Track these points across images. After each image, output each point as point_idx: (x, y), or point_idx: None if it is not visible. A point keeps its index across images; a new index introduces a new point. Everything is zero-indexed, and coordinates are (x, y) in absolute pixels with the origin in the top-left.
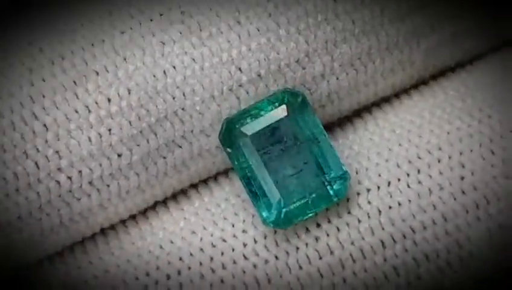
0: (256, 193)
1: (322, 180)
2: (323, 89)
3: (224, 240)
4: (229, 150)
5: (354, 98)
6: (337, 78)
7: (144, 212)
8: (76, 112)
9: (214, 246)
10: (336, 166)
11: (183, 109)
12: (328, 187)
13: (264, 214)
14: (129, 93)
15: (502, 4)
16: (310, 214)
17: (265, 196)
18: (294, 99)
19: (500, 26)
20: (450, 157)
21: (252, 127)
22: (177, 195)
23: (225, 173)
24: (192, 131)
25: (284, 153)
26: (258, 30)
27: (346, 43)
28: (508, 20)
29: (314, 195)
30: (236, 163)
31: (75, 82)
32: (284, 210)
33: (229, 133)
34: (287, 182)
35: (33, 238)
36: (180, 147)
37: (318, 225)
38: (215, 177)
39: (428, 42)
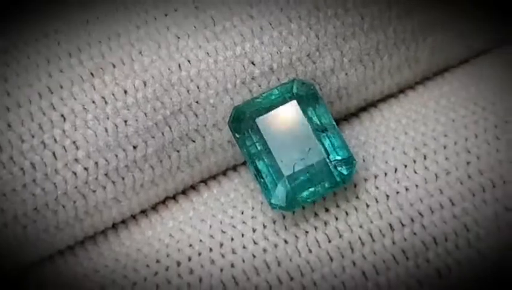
0: (263, 177)
1: (328, 164)
2: (333, 84)
3: (233, 226)
4: (237, 135)
5: (361, 95)
6: (346, 74)
7: (153, 206)
8: (94, 102)
9: (223, 232)
10: (343, 151)
11: (197, 102)
12: (334, 171)
13: (271, 196)
14: (145, 85)
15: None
16: (317, 197)
17: (272, 179)
18: (304, 89)
19: (504, 24)
20: (455, 143)
21: (260, 114)
22: (186, 189)
23: (233, 168)
24: (205, 125)
25: (292, 138)
26: (270, 24)
27: (355, 38)
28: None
29: (320, 178)
30: (244, 148)
31: (92, 74)
32: (289, 192)
33: (238, 119)
34: (293, 165)
35: (48, 231)
36: (194, 141)
37: (327, 210)
38: (223, 173)
39: (434, 40)
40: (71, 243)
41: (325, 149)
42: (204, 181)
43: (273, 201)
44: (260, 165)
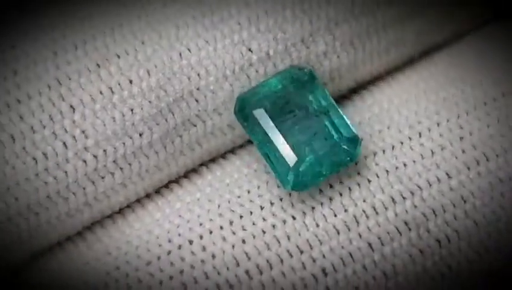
0: (272, 161)
1: (335, 145)
2: (326, 67)
3: (241, 205)
4: (245, 124)
5: (352, 76)
6: (338, 57)
7: (158, 191)
8: (101, 93)
9: (232, 210)
10: (347, 130)
11: (198, 88)
12: (341, 150)
13: (282, 180)
14: (149, 74)
15: None
16: (327, 175)
17: (283, 162)
18: (302, 75)
19: (489, 4)
20: (448, 121)
21: (263, 101)
22: (189, 173)
23: (232, 151)
24: (206, 110)
25: (296, 122)
26: (266, 12)
27: (346, 22)
28: None
29: (328, 158)
30: (252, 134)
31: (98, 65)
32: (300, 174)
33: (243, 108)
34: (301, 147)
35: (59, 218)
36: (195, 125)
37: (331, 186)
38: (223, 156)
39: (420, 22)
40: (80, 229)
41: (329, 131)
42: (206, 165)
43: (285, 185)
44: (269, 150)
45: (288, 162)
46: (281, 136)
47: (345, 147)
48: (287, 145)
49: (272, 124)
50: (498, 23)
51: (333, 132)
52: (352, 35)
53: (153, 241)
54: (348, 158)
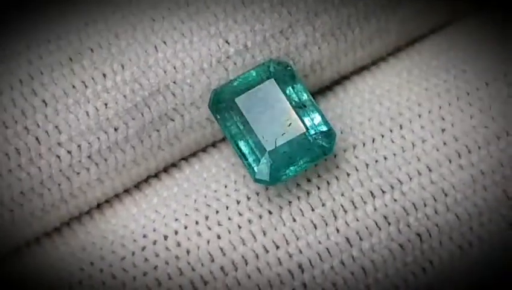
0: (245, 154)
1: (309, 138)
2: (306, 59)
3: (217, 199)
4: (218, 116)
5: (334, 67)
6: (319, 48)
7: (137, 186)
8: (74, 87)
9: (208, 205)
10: (322, 125)
11: (174, 82)
12: (315, 144)
13: (254, 172)
14: (123, 68)
15: None
16: (300, 170)
17: (255, 155)
18: (280, 68)
19: None
20: (429, 112)
21: (239, 94)
22: (168, 167)
23: (213, 144)
24: (183, 104)
25: (271, 115)
26: (243, 3)
27: (326, 13)
28: None
29: (301, 152)
30: (225, 128)
31: (71, 59)
32: (272, 166)
33: (218, 101)
34: (275, 141)
35: (34, 214)
36: (173, 120)
37: (308, 180)
38: (203, 149)
39: (403, 10)
40: (57, 224)
41: (305, 124)
42: (185, 159)
43: (257, 177)
44: (242, 143)
45: (260, 155)
46: (255, 128)
47: (320, 141)
48: (260, 139)
49: (245, 117)
50: (482, 14)
51: (308, 126)
52: (332, 25)
53: (128, 237)
54: (323, 152)
